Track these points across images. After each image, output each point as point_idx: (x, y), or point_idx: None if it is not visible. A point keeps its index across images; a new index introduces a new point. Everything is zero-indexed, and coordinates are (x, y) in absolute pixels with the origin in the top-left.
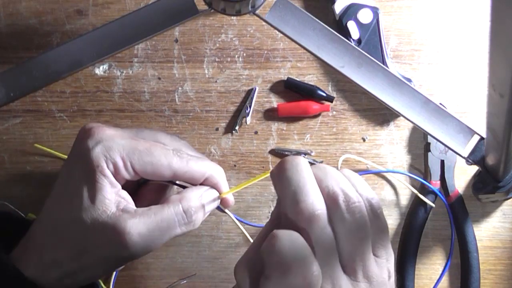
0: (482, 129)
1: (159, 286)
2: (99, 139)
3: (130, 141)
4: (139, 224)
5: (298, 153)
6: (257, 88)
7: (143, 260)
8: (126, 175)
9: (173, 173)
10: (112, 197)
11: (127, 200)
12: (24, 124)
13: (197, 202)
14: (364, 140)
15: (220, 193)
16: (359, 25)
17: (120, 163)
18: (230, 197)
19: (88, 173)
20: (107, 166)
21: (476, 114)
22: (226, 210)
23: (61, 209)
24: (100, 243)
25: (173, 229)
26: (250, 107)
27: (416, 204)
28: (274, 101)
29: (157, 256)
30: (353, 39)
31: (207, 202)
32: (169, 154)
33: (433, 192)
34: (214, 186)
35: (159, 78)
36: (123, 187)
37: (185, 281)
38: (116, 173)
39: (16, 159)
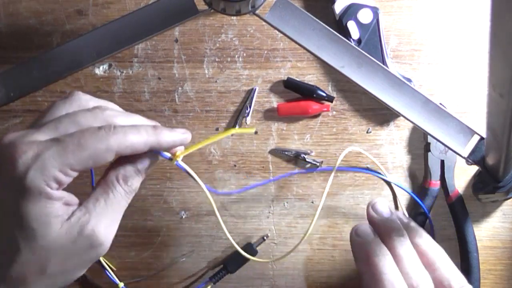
0: (482, 129)
1: (160, 286)
2: (27, 162)
3: (57, 146)
4: (99, 219)
5: (298, 153)
6: (257, 88)
7: (143, 260)
8: (69, 180)
9: (116, 153)
10: (62, 211)
11: (71, 201)
12: (24, 124)
13: (134, 173)
14: (368, 132)
15: (174, 154)
16: (359, 25)
17: (61, 175)
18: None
19: (32, 203)
20: (50, 187)
21: (476, 114)
22: (181, 164)
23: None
24: (74, 254)
25: (124, 206)
26: (250, 107)
27: (416, 204)
28: (274, 101)
29: (157, 257)
30: (353, 39)
31: (143, 167)
32: (101, 136)
33: (432, 193)
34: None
35: (159, 78)
36: None
37: (184, 259)
38: (60, 186)
39: None
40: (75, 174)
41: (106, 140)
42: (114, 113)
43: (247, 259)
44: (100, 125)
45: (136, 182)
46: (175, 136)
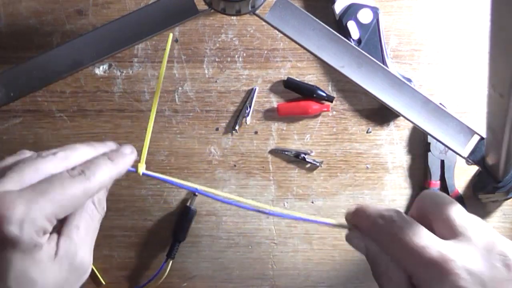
0: (482, 129)
1: (160, 286)
2: (20, 216)
3: (40, 196)
4: (84, 247)
5: (298, 153)
6: (257, 88)
7: (143, 260)
8: (51, 226)
9: (87, 196)
10: (50, 248)
11: (48, 229)
12: (24, 124)
13: (104, 194)
14: (368, 132)
15: (136, 167)
16: (359, 25)
17: (47, 224)
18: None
19: (29, 257)
20: (40, 237)
21: (476, 114)
22: (148, 172)
23: None
24: (66, 285)
25: (98, 228)
26: (250, 107)
27: None
28: (274, 101)
29: (157, 257)
30: (353, 39)
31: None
32: (76, 181)
33: None
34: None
35: None
36: None
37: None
38: (46, 233)
39: None
40: (55, 221)
41: (83, 186)
42: (67, 154)
43: (190, 223)
44: (62, 170)
45: (105, 202)
46: (129, 160)
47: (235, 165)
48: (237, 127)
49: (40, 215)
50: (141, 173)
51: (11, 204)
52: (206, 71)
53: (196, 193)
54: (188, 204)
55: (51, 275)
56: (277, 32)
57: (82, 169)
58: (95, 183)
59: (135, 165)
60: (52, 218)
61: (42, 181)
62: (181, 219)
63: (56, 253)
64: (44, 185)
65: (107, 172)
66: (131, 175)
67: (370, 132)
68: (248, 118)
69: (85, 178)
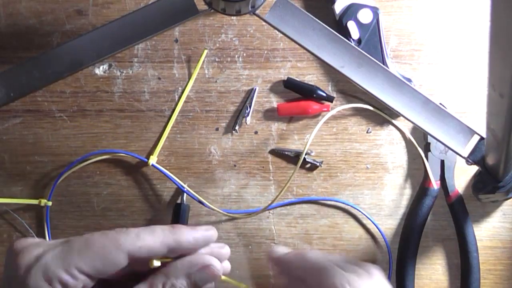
0: (482, 129)
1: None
2: (28, 263)
3: (63, 246)
4: None
5: (298, 153)
6: (257, 88)
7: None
8: (77, 284)
9: (128, 255)
10: None
11: None
12: (24, 124)
13: (185, 283)
14: (368, 132)
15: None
16: (359, 25)
17: (66, 277)
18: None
19: None
20: (51, 284)
21: (476, 114)
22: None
23: None
24: None
25: None
26: (250, 107)
27: (416, 204)
28: (274, 101)
29: None
30: (353, 39)
31: (199, 280)
32: (111, 235)
33: (432, 193)
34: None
35: (159, 78)
36: None
37: None
38: None
39: (16, 159)
40: (83, 278)
41: (116, 239)
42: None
43: (186, 220)
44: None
45: None
46: (196, 234)
47: (235, 165)
48: (237, 127)
49: (54, 263)
50: (150, 164)
51: (28, 251)
52: (206, 71)
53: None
54: (178, 201)
55: None
56: (277, 32)
57: (127, 228)
58: (135, 241)
59: (147, 156)
60: (72, 270)
61: (81, 237)
62: (174, 217)
63: None
64: (75, 238)
65: (158, 236)
66: (132, 175)
67: (370, 132)
68: (248, 118)
69: (123, 233)
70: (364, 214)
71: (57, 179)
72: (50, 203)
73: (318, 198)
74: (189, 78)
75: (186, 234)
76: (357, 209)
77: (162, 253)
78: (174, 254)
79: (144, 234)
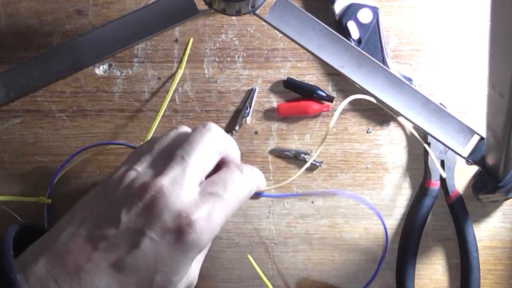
0: (482, 129)
1: None
2: (202, 222)
3: (220, 202)
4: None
5: (298, 153)
6: (257, 88)
7: None
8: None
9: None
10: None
11: None
12: (24, 124)
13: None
14: (368, 132)
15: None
16: (359, 25)
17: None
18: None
19: (193, 259)
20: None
21: (476, 114)
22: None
23: None
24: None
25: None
26: (250, 107)
27: (416, 204)
28: (274, 101)
29: None
30: (353, 39)
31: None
32: (250, 188)
33: (432, 193)
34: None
35: (159, 78)
36: None
37: None
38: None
39: (16, 159)
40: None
41: (251, 190)
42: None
43: None
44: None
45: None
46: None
47: None
48: (237, 127)
49: (218, 223)
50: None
51: (196, 211)
52: (206, 71)
53: None
54: None
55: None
56: (277, 32)
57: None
58: (255, 187)
59: None
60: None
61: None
62: None
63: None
64: (225, 193)
65: (262, 183)
66: None
67: (370, 132)
68: (248, 118)
69: (254, 181)
70: (373, 209)
71: (56, 174)
72: (49, 201)
73: (337, 191)
74: (179, 66)
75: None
76: (366, 203)
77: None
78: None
79: (260, 181)
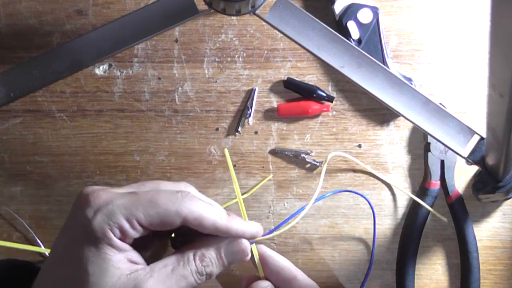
0: (482, 129)
1: None
2: (98, 205)
3: (130, 197)
4: (157, 283)
5: (298, 153)
6: (257, 88)
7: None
8: (134, 234)
9: (183, 219)
10: (123, 265)
11: (137, 260)
12: (24, 124)
13: (215, 257)
14: (359, 146)
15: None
16: (359, 25)
17: (126, 225)
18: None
19: (94, 246)
20: (113, 234)
21: (476, 114)
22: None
23: (67, 283)
24: None
25: (189, 284)
26: (251, 108)
27: (416, 204)
28: (274, 101)
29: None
30: (353, 39)
31: (228, 257)
32: (175, 198)
33: (432, 193)
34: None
35: (159, 78)
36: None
37: None
38: (124, 236)
39: (16, 159)
40: (140, 229)
41: (179, 204)
42: (198, 195)
43: None
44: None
45: (213, 267)
46: (246, 227)
47: (235, 165)
48: (240, 129)
49: (119, 210)
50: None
51: (99, 195)
52: (206, 71)
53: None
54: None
55: (107, 279)
56: (277, 32)
57: (192, 195)
58: (194, 211)
59: None
60: (132, 220)
61: (148, 192)
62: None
63: (129, 274)
64: (142, 192)
65: (214, 215)
66: (132, 175)
67: (362, 145)
68: (250, 119)
69: (188, 199)
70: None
71: None
72: None
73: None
74: None
75: (238, 224)
76: (367, 199)
77: (208, 231)
78: (215, 234)
79: (205, 208)
